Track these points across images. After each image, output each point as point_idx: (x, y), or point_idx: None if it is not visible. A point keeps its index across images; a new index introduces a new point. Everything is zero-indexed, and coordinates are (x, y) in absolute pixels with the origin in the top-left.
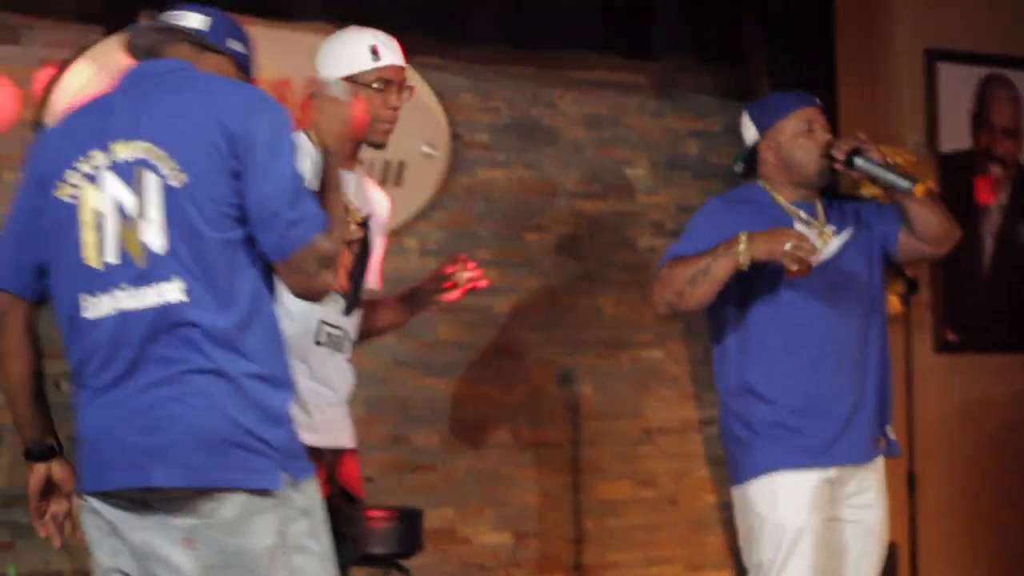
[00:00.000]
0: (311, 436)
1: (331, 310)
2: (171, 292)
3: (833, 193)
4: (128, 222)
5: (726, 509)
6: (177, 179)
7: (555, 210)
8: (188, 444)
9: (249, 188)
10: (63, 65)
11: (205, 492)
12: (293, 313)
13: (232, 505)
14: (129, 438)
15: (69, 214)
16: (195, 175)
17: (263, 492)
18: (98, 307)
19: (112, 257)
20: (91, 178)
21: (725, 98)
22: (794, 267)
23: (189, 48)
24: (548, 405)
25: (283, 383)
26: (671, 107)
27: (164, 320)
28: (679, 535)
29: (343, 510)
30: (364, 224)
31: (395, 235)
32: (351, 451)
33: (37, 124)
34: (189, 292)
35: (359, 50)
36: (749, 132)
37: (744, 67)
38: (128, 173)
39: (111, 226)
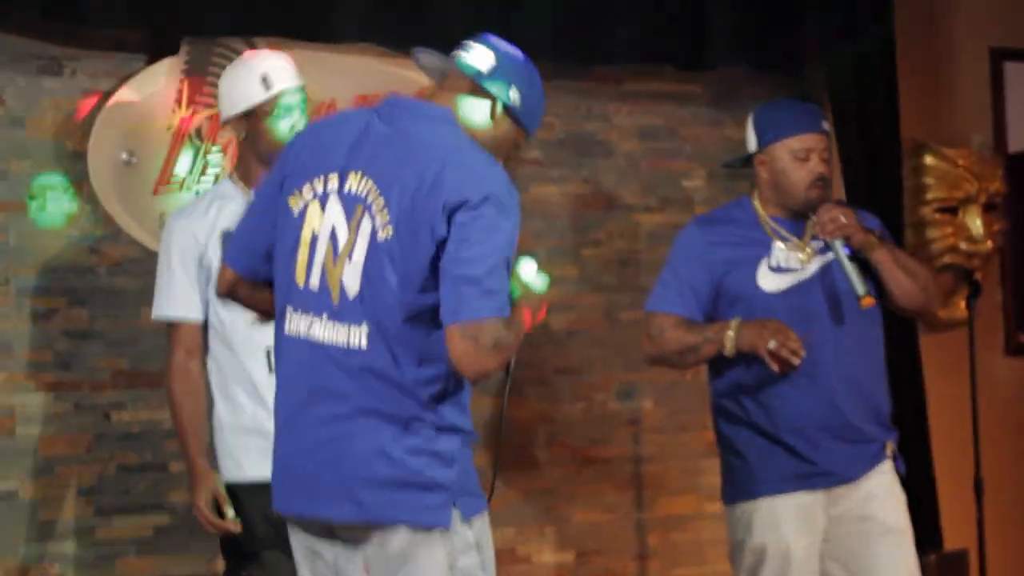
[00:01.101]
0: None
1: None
2: (357, 337)
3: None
4: (336, 255)
5: None
6: (384, 231)
7: (612, 224)
8: (356, 481)
9: (451, 249)
10: (106, 95)
11: (376, 525)
12: (235, 344)
13: (398, 539)
14: (307, 468)
15: (294, 226)
16: (400, 231)
17: (429, 527)
18: (295, 324)
19: (314, 283)
20: (322, 199)
21: None
22: (774, 366)
23: (463, 84)
24: (609, 421)
25: (457, 429)
26: (729, 117)
27: (346, 360)
28: None
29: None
30: None
31: None
32: None
33: (80, 154)
34: (370, 339)
35: (246, 82)
36: (750, 140)
37: (802, 73)
38: (351, 206)
39: (320, 252)
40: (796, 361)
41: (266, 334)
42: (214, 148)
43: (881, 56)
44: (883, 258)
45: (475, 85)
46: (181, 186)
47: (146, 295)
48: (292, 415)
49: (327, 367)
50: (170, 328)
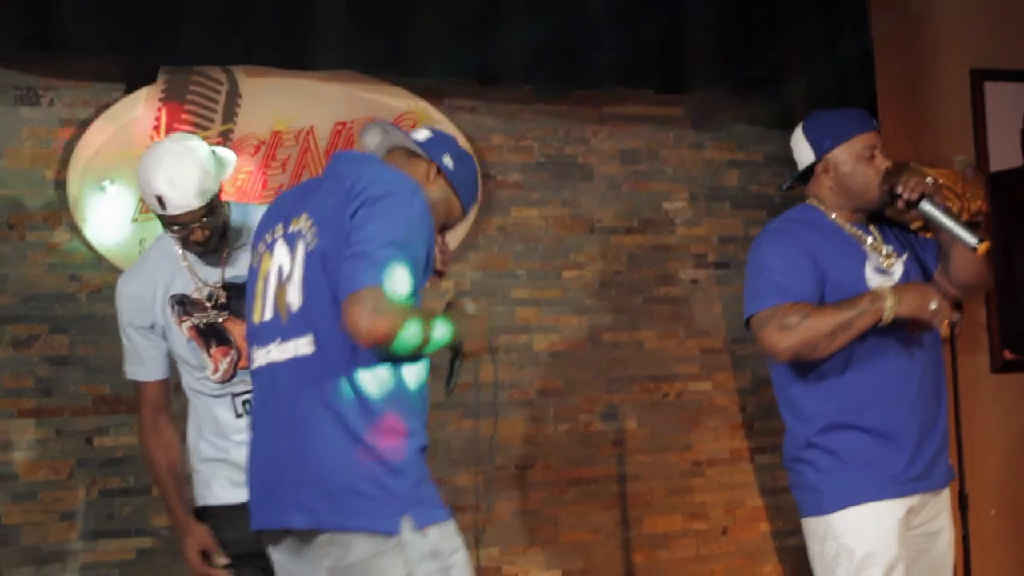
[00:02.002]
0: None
1: (246, 383)
2: (303, 346)
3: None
4: (281, 283)
5: (781, 538)
6: (312, 243)
7: (593, 247)
8: (316, 489)
9: (350, 237)
10: (84, 124)
11: (333, 535)
12: (215, 398)
13: (357, 547)
14: (270, 482)
15: (253, 279)
16: (321, 234)
17: (385, 535)
18: (257, 359)
19: (268, 315)
20: (270, 247)
21: (765, 126)
22: (942, 328)
23: (403, 155)
24: (593, 442)
25: (405, 434)
26: (710, 138)
27: (298, 372)
28: (733, 566)
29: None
30: (240, 287)
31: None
32: None
33: (59, 183)
34: (316, 345)
35: (149, 198)
36: (804, 153)
37: (783, 94)
38: (293, 242)
39: (271, 288)
40: (955, 318)
41: (231, 384)
42: None
43: (860, 76)
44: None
45: (413, 151)
46: None
47: None
48: (260, 436)
49: (284, 383)
50: (136, 387)
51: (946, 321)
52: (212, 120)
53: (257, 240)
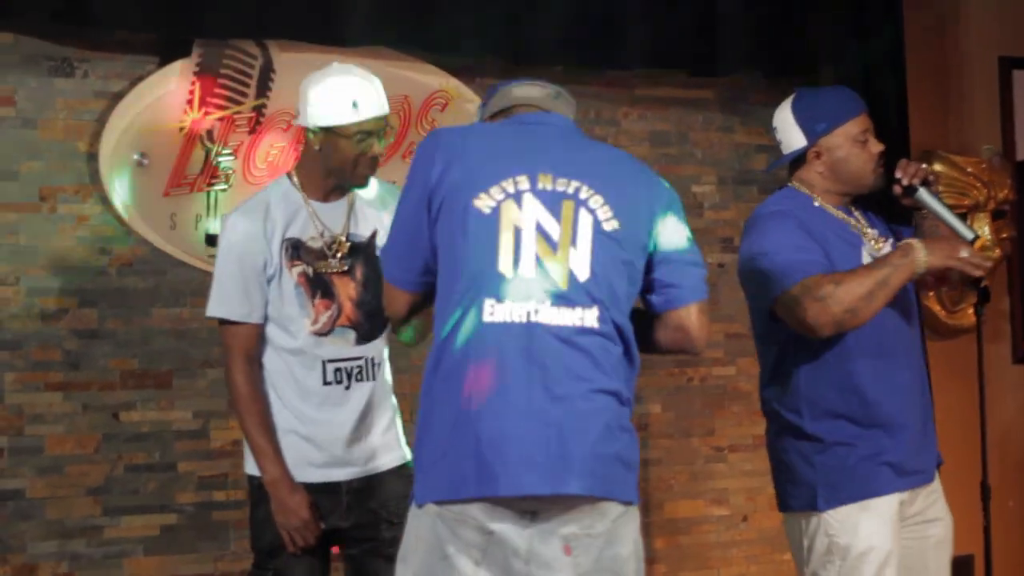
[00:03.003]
0: (328, 471)
1: (336, 345)
2: (589, 318)
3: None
4: (551, 245)
5: None
6: (610, 224)
7: None
8: (594, 457)
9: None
10: (117, 96)
11: (594, 502)
12: (302, 360)
13: (611, 515)
14: (543, 446)
15: (487, 224)
16: (626, 227)
17: (629, 503)
18: (504, 313)
19: (528, 272)
20: (515, 198)
21: None
22: (977, 272)
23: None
24: None
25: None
26: (739, 122)
27: (580, 340)
28: (753, 553)
29: (383, 534)
30: (360, 247)
31: None
32: (393, 470)
33: (91, 156)
34: (601, 321)
35: (339, 101)
36: (794, 136)
37: (814, 79)
38: (554, 203)
39: (528, 243)
40: (989, 265)
41: (325, 346)
42: (225, 150)
43: (891, 63)
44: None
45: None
46: (192, 187)
47: (157, 295)
48: (516, 397)
49: (560, 348)
50: (228, 328)
51: (986, 267)
52: (246, 95)
53: (468, 181)
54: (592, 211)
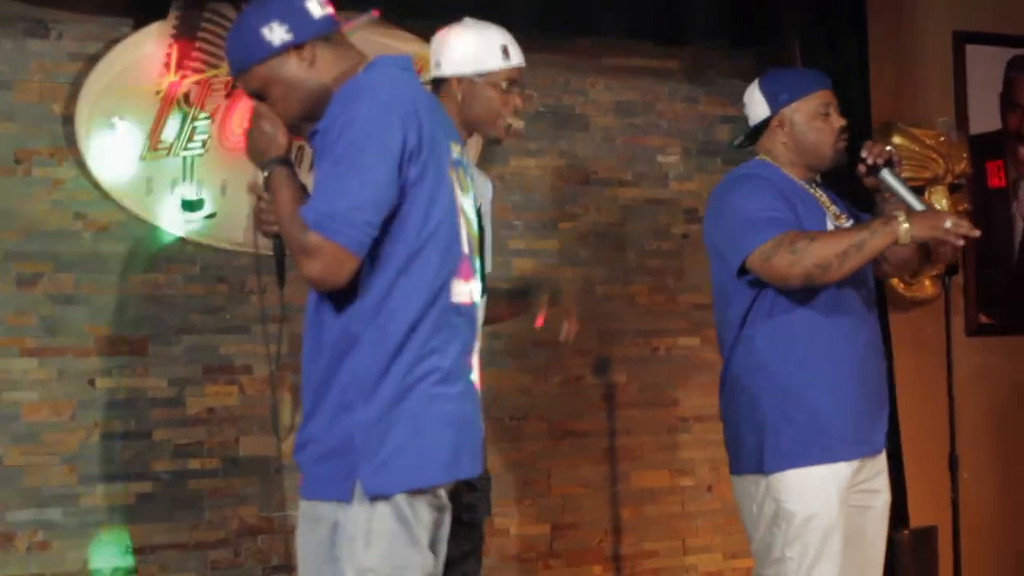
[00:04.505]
0: None
1: None
2: (476, 292)
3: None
4: (466, 217)
5: None
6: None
7: (588, 198)
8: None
9: None
10: (93, 58)
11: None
12: None
13: None
14: (480, 428)
15: (451, 197)
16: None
17: None
18: (464, 294)
19: (466, 248)
20: (455, 166)
21: None
22: (960, 242)
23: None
24: (584, 395)
25: None
26: (703, 92)
27: (471, 316)
28: (717, 523)
29: (464, 499)
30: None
31: None
32: None
33: (67, 118)
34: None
35: (489, 48)
36: (759, 108)
37: (777, 51)
38: (458, 173)
39: (463, 218)
40: (976, 233)
41: None
42: (202, 114)
43: (853, 35)
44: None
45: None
46: (169, 151)
47: (132, 260)
48: (464, 375)
49: (477, 330)
50: None
51: (972, 235)
52: (223, 58)
53: (436, 147)
54: (469, 178)
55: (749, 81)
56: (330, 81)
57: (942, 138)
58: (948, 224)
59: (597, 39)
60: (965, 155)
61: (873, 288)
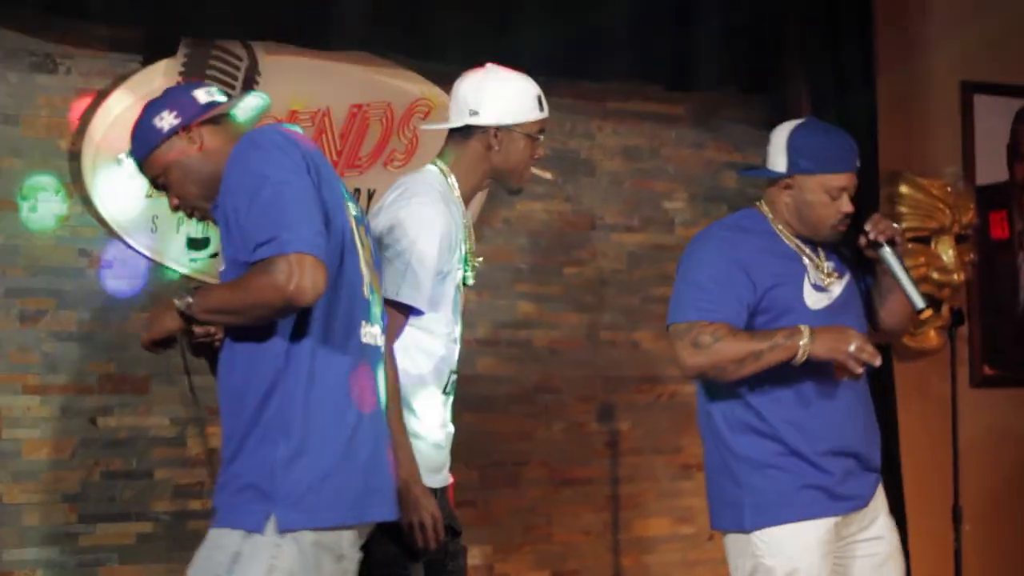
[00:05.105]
0: (438, 477)
1: (454, 356)
2: (380, 335)
3: None
4: (368, 264)
5: None
6: (370, 246)
7: (594, 243)
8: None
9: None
10: (101, 94)
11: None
12: (441, 366)
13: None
14: (384, 473)
15: (352, 242)
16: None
17: None
18: (369, 334)
19: (367, 293)
20: (357, 219)
21: (765, 129)
22: (859, 370)
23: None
24: (588, 441)
25: None
26: (710, 138)
27: (379, 358)
28: (718, 572)
29: (449, 547)
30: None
31: None
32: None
33: (73, 155)
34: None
35: (527, 99)
36: (778, 158)
37: (784, 98)
38: (358, 226)
39: (362, 262)
40: (877, 362)
41: (451, 357)
42: None
43: (862, 84)
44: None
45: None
46: None
47: (136, 298)
48: (380, 419)
49: (379, 370)
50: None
51: (872, 363)
52: (231, 97)
53: (333, 187)
54: (364, 227)
55: (756, 127)
56: (223, 159)
57: (949, 188)
58: (851, 348)
59: (604, 83)
60: (972, 205)
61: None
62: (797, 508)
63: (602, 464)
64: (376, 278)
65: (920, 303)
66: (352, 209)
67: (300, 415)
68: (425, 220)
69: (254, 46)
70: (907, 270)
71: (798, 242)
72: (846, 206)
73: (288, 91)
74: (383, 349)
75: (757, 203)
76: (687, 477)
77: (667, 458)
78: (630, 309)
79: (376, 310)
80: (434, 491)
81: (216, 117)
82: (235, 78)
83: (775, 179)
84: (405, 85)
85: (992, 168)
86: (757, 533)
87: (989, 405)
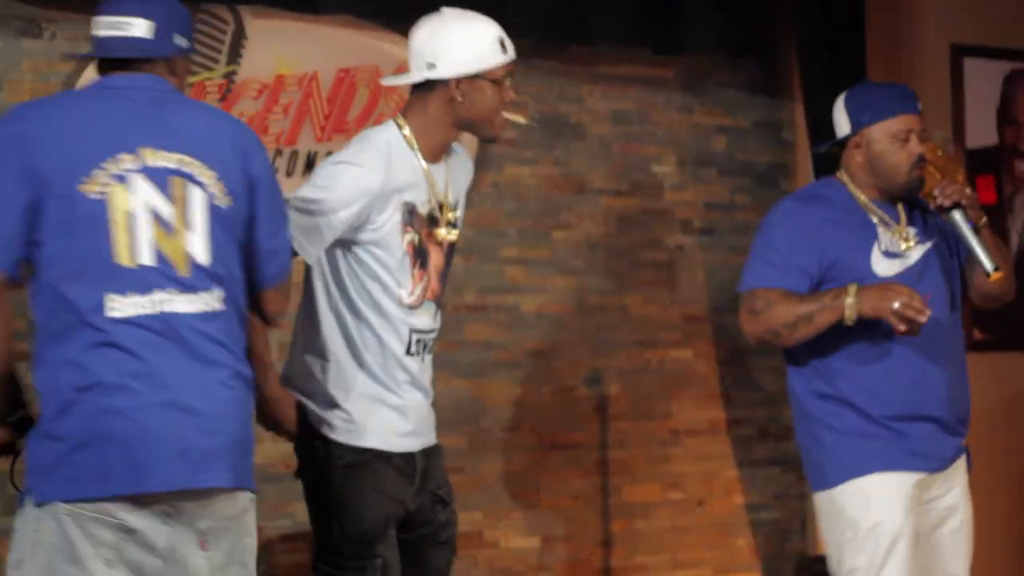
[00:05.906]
0: (411, 441)
1: (423, 318)
2: (215, 302)
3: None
4: (167, 229)
5: (755, 511)
6: (223, 201)
7: (582, 208)
8: (237, 447)
9: (261, 224)
10: (86, 59)
11: (230, 493)
12: (393, 326)
13: (241, 505)
14: (192, 437)
15: (97, 211)
16: (236, 201)
17: (254, 492)
18: (130, 307)
19: (148, 260)
20: (120, 179)
21: (753, 93)
22: (902, 327)
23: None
24: (576, 406)
25: None
26: (699, 102)
27: (210, 326)
28: (707, 538)
29: (438, 517)
30: (454, 224)
31: None
32: (437, 445)
33: None
34: (225, 303)
35: (487, 43)
36: (841, 123)
37: (773, 62)
38: (162, 180)
39: (144, 229)
40: (923, 319)
41: (413, 317)
42: None
43: (852, 47)
44: (990, 239)
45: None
46: None
47: None
48: (159, 388)
49: (195, 336)
50: None
51: (919, 321)
52: (217, 61)
53: (67, 162)
54: (203, 186)
55: (745, 92)
56: None
57: (939, 151)
58: (896, 304)
59: (593, 47)
60: (962, 169)
61: (952, 302)
62: (876, 461)
63: (591, 429)
64: (173, 242)
65: (989, 266)
66: (119, 165)
67: (48, 390)
68: (327, 175)
69: (240, 9)
70: (978, 232)
71: (877, 208)
72: (916, 147)
73: (275, 55)
74: (167, 315)
75: (838, 172)
76: (676, 443)
77: (656, 423)
78: (619, 273)
79: (141, 278)
80: (414, 455)
81: None
82: (221, 42)
83: (844, 142)
84: (391, 48)
85: (982, 132)
86: (840, 487)
87: (979, 369)
